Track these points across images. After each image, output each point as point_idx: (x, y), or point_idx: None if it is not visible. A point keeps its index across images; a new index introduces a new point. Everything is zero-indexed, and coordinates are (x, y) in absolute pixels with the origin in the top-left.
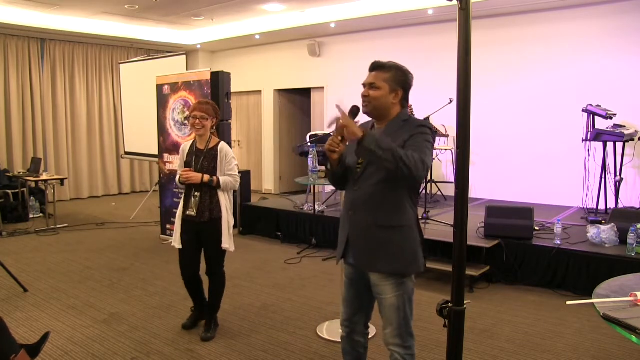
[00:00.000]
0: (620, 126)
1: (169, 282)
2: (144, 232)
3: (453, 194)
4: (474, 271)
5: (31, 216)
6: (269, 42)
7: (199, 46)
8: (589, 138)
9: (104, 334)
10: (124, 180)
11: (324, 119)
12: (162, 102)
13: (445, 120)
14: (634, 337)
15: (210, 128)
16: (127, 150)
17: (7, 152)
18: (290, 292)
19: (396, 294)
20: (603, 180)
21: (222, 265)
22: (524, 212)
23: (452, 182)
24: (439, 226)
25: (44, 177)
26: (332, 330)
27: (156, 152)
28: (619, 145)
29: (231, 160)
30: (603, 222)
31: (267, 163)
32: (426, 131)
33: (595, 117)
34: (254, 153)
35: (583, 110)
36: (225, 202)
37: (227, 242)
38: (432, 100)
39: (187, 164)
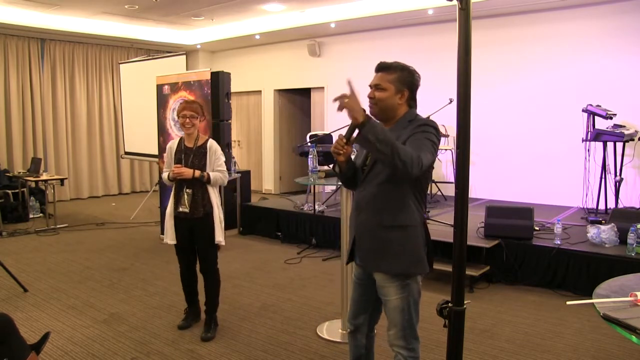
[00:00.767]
0: (620, 126)
1: (169, 282)
2: (144, 232)
3: (453, 194)
4: (474, 271)
5: (31, 216)
6: (269, 42)
7: (199, 46)
8: (589, 138)
9: (104, 334)
10: (124, 180)
11: (324, 119)
12: (162, 102)
13: (445, 120)
14: (634, 337)
15: (198, 125)
16: (127, 150)
17: (7, 152)
18: (290, 292)
19: (400, 295)
20: (603, 180)
21: (216, 263)
22: (524, 212)
23: (452, 182)
24: (439, 226)
25: (44, 177)
26: (332, 330)
27: (156, 152)
28: (619, 145)
29: (219, 156)
30: (603, 222)
31: (267, 163)
32: (429, 129)
33: (595, 117)
34: (254, 153)
35: (583, 110)
36: (215, 197)
37: (220, 235)
38: (432, 100)
39: (177, 162)
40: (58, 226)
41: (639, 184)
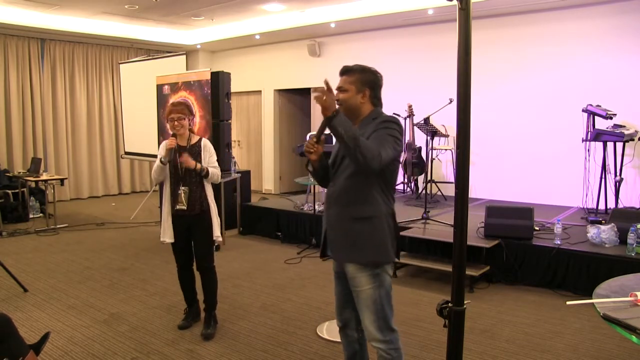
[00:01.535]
0: (620, 126)
1: (169, 282)
2: (144, 232)
3: (453, 194)
4: (474, 271)
5: (31, 216)
6: (269, 42)
7: (199, 46)
8: (589, 138)
9: (104, 334)
10: (124, 180)
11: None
12: (162, 102)
13: (445, 120)
14: (634, 337)
15: (187, 126)
16: (127, 150)
17: (7, 152)
18: (290, 292)
19: (372, 285)
20: (603, 180)
21: (213, 260)
22: (524, 212)
23: (452, 182)
24: (439, 226)
25: (44, 177)
26: (332, 330)
27: (156, 152)
28: (619, 145)
29: (213, 154)
30: (603, 222)
31: (267, 163)
32: (391, 125)
33: (595, 117)
34: (254, 153)
35: (583, 110)
36: (211, 195)
37: (217, 231)
38: (432, 100)
39: (172, 162)
40: (58, 226)
41: (639, 184)
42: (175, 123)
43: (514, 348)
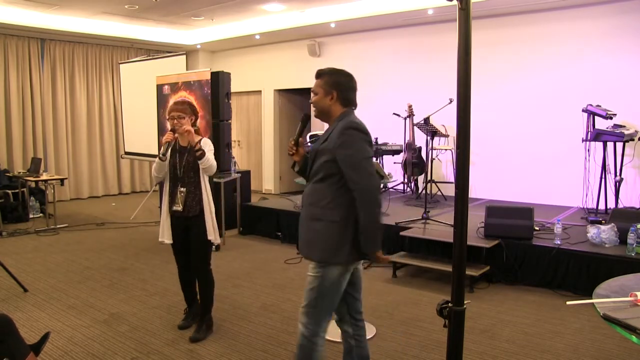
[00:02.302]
0: (620, 126)
1: (169, 282)
2: (144, 232)
3: (453, 194)
4: (474, 271)
5: (31, 216)
6: (269, 42)
7: (199, 46)
8: (589, 138)
9: (104, 334)
10: (124, 180)
11: None
12: (162, 102)
13: (445, 120)
14: (634, 337)
15: (189, 124)
16: (127, 150)
17: (7, 152)
18: (290, 292)
19: (314, 273)
20: (603, 180)
21: (209, 262)
22: (524, 212)
23: (452, 182)
24: (439, 226)
25: (44, 177)
26: (332, 330)
27: (156, 152)
28: (619, 145)
29: (211, 149)
30: (603, 222)
31: (267, 163)
32: (351, 136)
33: (595, 117)
34: (254, 153)
35: (583, 110)
36: (207, 196)
37: (212, 234)
38: (432, 100)
39: (172, 162)
40: (58, 226)
41: (639, 184)
42: (175, 122)
43: (514, 348)
